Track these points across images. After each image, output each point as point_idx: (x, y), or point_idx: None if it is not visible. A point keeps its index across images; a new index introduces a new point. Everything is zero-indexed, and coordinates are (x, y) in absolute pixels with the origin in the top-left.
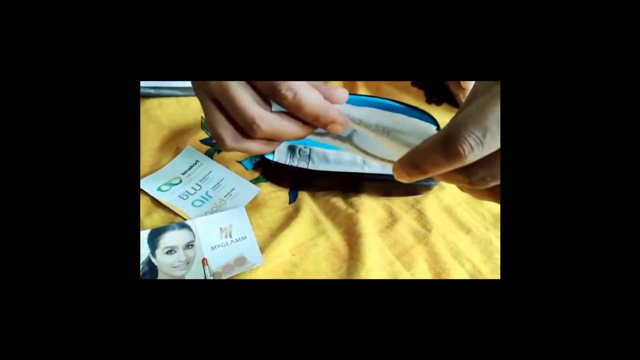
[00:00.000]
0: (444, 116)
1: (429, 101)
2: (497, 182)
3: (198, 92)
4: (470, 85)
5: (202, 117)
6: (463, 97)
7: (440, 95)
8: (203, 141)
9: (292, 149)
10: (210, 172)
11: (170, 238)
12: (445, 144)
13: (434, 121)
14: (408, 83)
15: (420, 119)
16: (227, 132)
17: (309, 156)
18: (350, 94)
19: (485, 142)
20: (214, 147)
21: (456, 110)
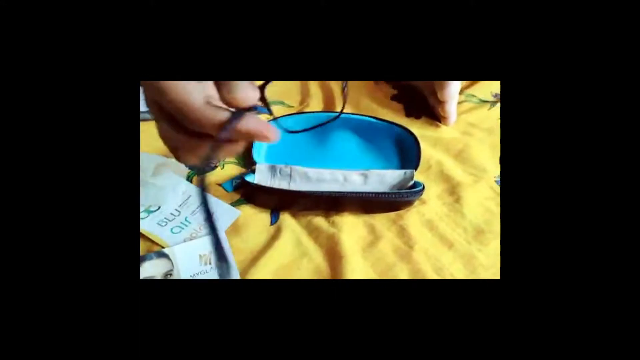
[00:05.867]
0: (422, 129)
1: (408, 115)
2: None
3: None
4: (448, 97)
5: None
6: (442, 111)
7: (419, 108)
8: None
9: (273, 169)
10: (190, 197)
11: (148, 268)
12: None
13: (411, 135)
14: (388, 97)
15: (400, 133)
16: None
17: (290, 175)
18: (330, 112)
19: None
20: (193, 170)
21: (435, 122)
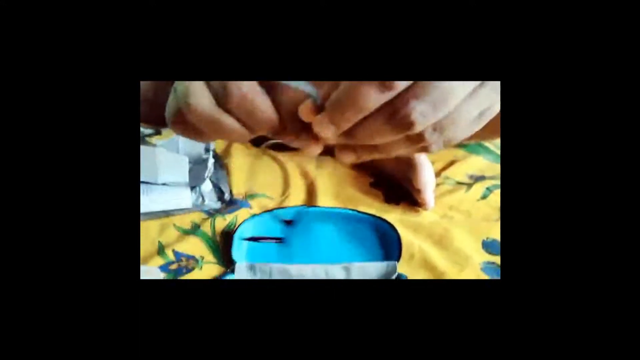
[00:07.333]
0: (402, 214)
1: (387, 201)
2: (454, 142)
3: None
4: (422, 185)
5: (159, 241)
6: (418, 197)
7: (398, 194)
8: (161, 268)
9: (252, 268)
10: None
11: None
12: (394, 117)
13: (391, 228)
14: (368, 185)
15: (381, 226)
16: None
17: (270, 274)
18: (310, 206)
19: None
20: (172, 274)
21: (414, 208)
